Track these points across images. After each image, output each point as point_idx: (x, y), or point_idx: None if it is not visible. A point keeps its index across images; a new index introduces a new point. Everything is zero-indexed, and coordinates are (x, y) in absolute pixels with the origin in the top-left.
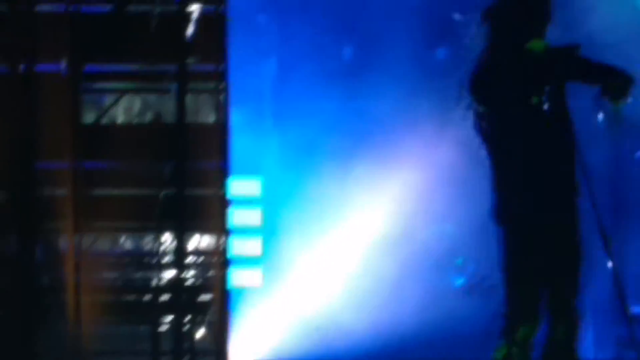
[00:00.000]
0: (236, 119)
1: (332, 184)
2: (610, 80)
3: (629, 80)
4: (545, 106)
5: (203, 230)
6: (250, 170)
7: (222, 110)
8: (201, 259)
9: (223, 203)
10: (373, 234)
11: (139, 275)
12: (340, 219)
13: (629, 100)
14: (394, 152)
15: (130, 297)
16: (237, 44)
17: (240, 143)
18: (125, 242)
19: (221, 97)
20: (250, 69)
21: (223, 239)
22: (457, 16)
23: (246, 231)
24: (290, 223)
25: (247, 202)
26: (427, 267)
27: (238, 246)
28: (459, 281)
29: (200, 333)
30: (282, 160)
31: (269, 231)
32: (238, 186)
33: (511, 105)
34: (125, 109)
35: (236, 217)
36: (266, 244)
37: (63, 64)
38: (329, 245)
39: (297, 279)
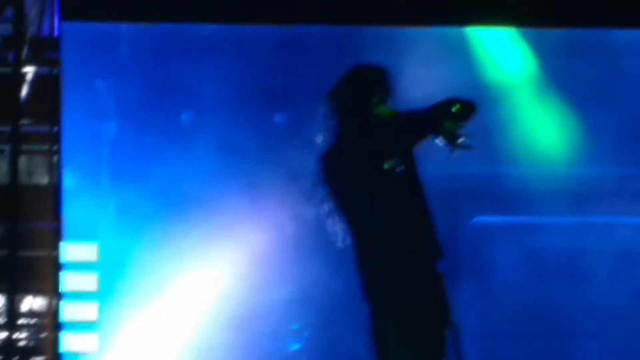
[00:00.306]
0: (72, 182)
1: (169, 248)
2: (440, 124)
3: (456, 107)
4: (397, 170)
5: (36, 292)
6: (86, 235)
7: (55, 171)
8: (34, 321)
9: (56, 265)
10: (209, 298)
11: None
12: (176, 283)
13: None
14: (231, 216)
15: None
16: (74, 107)
17: (76, 206)
18: None
19: (55, 158)
20: (88, 132)
21: (55, 301)
22: (295, 83)
23: (82, 295)
24: (127, 288)
25: (84, 267)
26: (263, 333)
27: (73, 310)
28: (295, 347)
29: None
30: (119, 224)
31: (105, 296)
32: (74, 250)
33: (365, 177)
34: None
35: (72, 282)
36: (102, 309)
37: None
38: (166, 311)
39: (133, 344)
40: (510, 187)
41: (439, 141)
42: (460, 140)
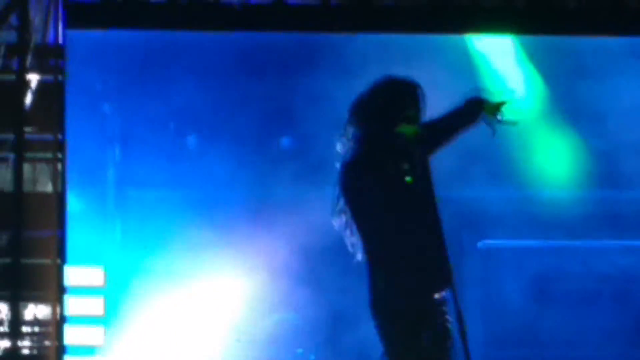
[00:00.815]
0: (78, 207)
1: (175, 271)
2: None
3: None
4: (417, 185)
5: (39, 300)
6: (92, 259)
7: (59, 179)
8: (37, 329)
9: (59, 273)
10: (215, 321)
11: None
12: (182, 306)
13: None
14: (237, 239)
15: None
16: (79, 130)
17: (82, 232)
18: None
19: (59, 166)
20: (93, 155)
21: (59, 309)
22: (301, 105)
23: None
24: (133, 311)
25: (90, 291)
26: (269, 357)
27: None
28: None
29: None
30: (125, 248)
31: (111, 320)
32: (80, 275)
33: (384, 189)
34: None
35: (78, 306)
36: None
37: None
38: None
39: None
40: (516, 210)
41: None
42: (502, 117)
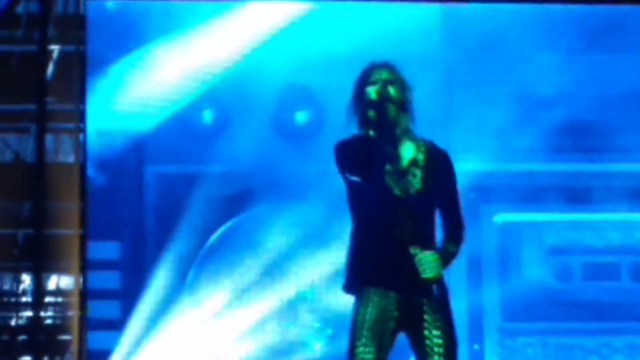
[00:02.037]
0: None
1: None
2: None
3: None
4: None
5: (62, 270)
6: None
7: (80, 150)
8: (60, 299)
9: (82, 243)
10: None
11: None
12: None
13: None
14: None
15: None
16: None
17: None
18: None
19: (80, 136)
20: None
21: (81, 279)
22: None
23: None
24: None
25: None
26: None
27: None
28: None
29: None
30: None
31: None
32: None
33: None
34: None
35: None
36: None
37: None
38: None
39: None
40: (533, 183)
41: None
42: None
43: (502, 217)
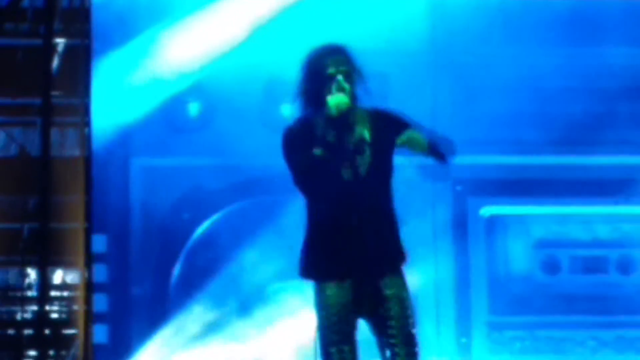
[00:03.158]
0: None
1: None
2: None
3: None
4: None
5: (67, 264)
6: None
7: (86, 143)
8: (65, 293)
9: (87, 237)
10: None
11: (3, 309)
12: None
13: None
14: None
15: None
16: None
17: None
18: None
19: (85, 130)
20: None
21: (87, 273)
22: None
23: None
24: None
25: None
26: None
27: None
28: None
29: None
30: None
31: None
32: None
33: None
34: None
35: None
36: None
37: None
38: None
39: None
40: (520, 176)
41: None
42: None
43: (489, 211)
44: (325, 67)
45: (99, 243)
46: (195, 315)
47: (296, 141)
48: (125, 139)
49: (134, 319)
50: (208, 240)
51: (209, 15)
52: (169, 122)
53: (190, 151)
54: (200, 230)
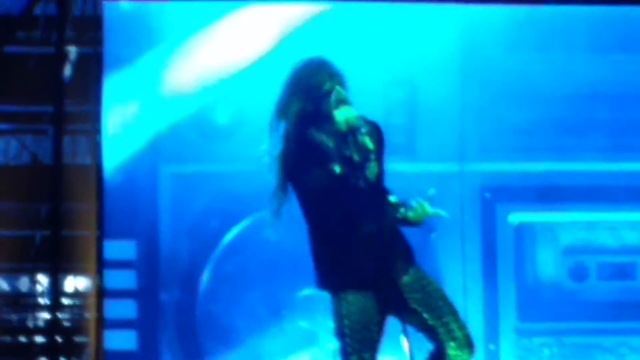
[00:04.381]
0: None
1: None
2: None
3: None
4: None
5: (79, 272)
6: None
7: (97, 151)
8: (77, 301)
9: (99, 245)
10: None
11: (14, 316)
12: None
13: None
14: None
15: (6, 338)
16: None
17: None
18: (1, 283)
19: (96, 138)
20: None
21: (98, 281)
22: None
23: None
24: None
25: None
26: None
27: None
28: None
29: None
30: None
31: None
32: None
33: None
34: (1, 150)
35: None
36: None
37: None
38: None
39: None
40: (549, 183)
41: None
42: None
43: (517, 217)
44: (321, 84)
45: (128, 250)
46: (223, 323)
47: (308, 161)
48: (155, 146)
49: (163, 325)
50: (237, 246)
51: (238, 21)
52: (198, 129)
53: (219, 158)
54: (229, 236)
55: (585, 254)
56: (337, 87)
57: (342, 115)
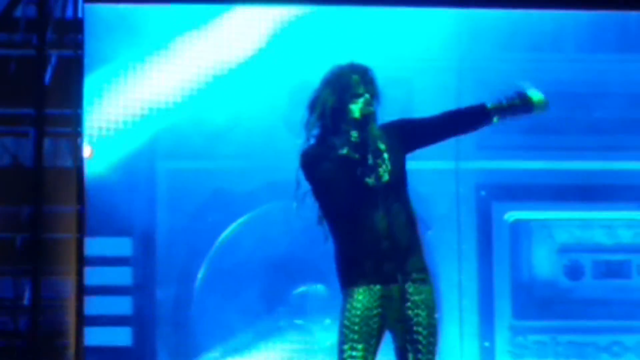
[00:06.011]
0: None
1: None
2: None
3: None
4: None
5: (59, 275)
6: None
7: (78, 154)
8: (57, 305)
9: (80, 248)
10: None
11: None
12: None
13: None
14: None
15: None
16: None
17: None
18: None
19: (77, 140)
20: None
21: (79, 285)
22: None
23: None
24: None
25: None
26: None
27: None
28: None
29: None
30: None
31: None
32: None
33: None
34: None
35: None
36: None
37: None
38: None
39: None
40: (545, 181)
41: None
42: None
43: (513, 216)
44: (354, 86)
45: (125, 246)
46: (219, 319)
47: (319, 157)
48: (151, 142)
49: (158, 322)
50: (233, 243)
51: (233, 19)
52: (195, 125)
53: (215, 154)
54: (226, 233)
55: (580, 252)
56: (367, 95)
57: (358, 105)
